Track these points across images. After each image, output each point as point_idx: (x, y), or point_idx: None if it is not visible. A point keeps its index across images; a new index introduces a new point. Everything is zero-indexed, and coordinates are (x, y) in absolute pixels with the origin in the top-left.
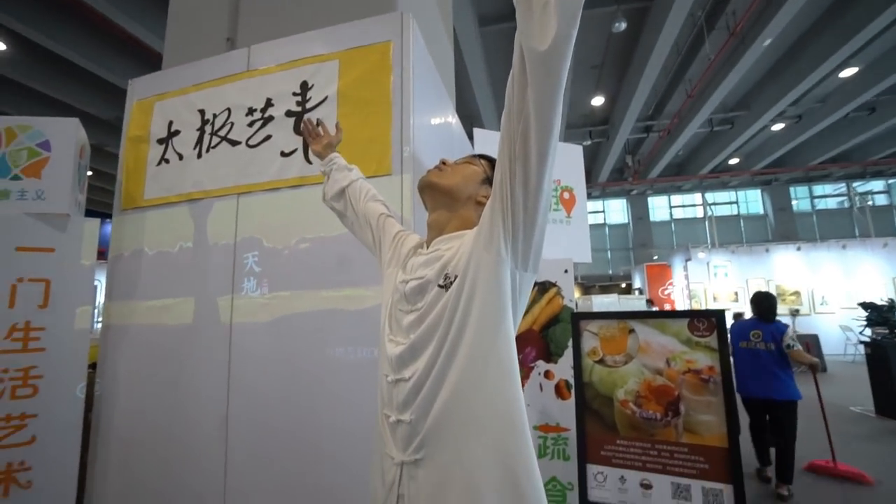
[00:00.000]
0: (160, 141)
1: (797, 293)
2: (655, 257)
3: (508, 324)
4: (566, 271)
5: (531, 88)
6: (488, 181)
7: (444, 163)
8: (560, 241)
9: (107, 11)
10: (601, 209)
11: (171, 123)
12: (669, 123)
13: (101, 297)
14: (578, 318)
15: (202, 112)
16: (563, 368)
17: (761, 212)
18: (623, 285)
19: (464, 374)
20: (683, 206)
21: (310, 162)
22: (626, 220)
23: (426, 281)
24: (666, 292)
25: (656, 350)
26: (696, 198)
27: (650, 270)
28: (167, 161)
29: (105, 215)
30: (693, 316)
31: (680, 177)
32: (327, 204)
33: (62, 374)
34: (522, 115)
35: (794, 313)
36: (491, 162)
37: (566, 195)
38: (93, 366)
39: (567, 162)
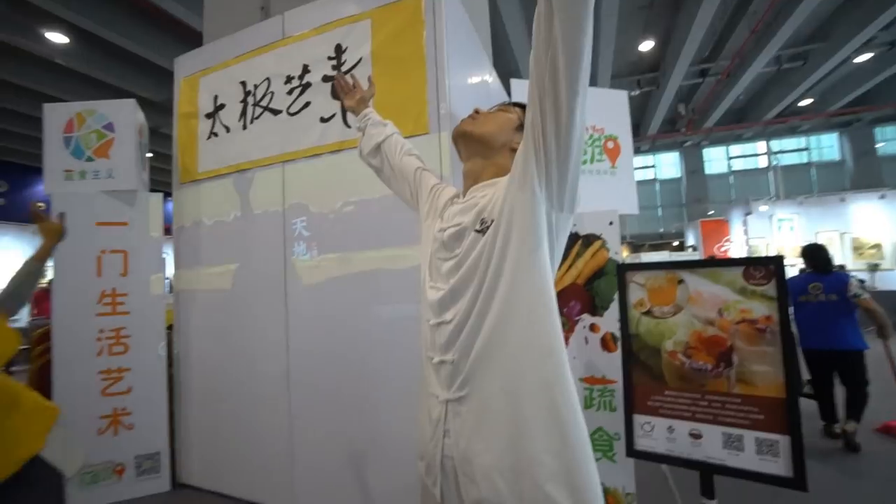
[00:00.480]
0: (208, 115)
1: (877, 246)
2: (711, 212)
3: (545, 264)
4: (611, 223)
5: (557, 14)
6: (522, 128)
7: (477, 111)
8: (604, 194)
9: None
10: (651, 163)
11: (216, 97)
12: (729, 65)
13: (170, 268)
14: (624, 270)
15: (243, 84)
16: (609, 321)
17: (837, 157)
18: (675, 243)
19: (502, 312)
20: (744, 156)
21: (348, 126)
22: (679, 174)
23: (463, 227)
24: (722, 249)
25: (707, 300)
26: (759, 146)
27: (705, 227)
28: (216, 134)
29: (167, 194)
30: (749, 264)
31: (740, 124)
32: (364, 160)
33: (145, 335)
34: (550, 44)
35: (874, 268)
36: (525, 108)
37: (610, 144)
38: (170, 327)
39: (611, 109)
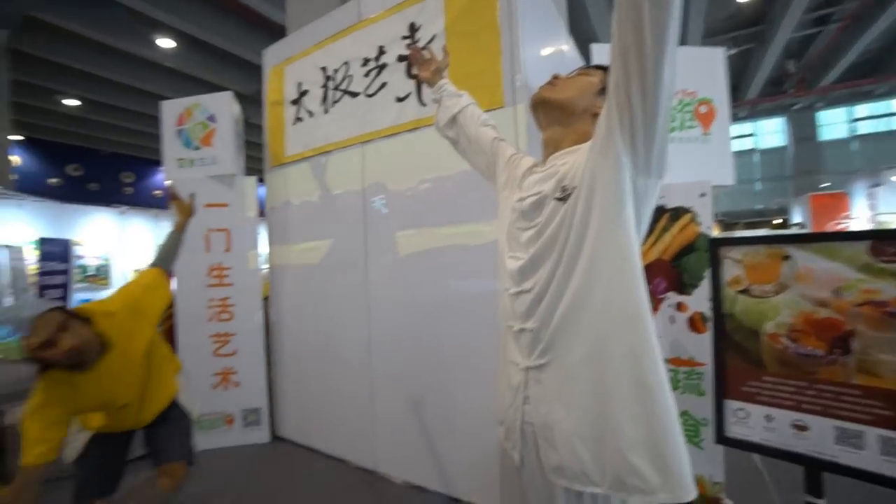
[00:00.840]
0: (293, 102)
1: None
2: (825, 185)
3: (629, 231)
4: (702, 195)
5: None
6: (604, 91)
7: (556, 77)
8: (695, 164)
9: None
10: (749, 132)
11: (299, 84)
12: (856, 7)
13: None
14: (718, 245)
15: (324, 69)
16: (699, 300)
17: None
18: (777, 221)
19: (585, 280)
20: (873, 116)
21: (423, 104)
22: (784, 143)
23: (543, 196)
24: (839, 226)
25: (820, 278)
26: (893, 105)
27: (817, 201)
28: (300, 119)
29: (259, 179)
30: (878, 237)
31: (869, 79)
32: (440, 132)
33: (246, 304)
34: None
35: None
36: (607, 71)
37: (703, 109)
38: (266, 298)
39: (704, 70)
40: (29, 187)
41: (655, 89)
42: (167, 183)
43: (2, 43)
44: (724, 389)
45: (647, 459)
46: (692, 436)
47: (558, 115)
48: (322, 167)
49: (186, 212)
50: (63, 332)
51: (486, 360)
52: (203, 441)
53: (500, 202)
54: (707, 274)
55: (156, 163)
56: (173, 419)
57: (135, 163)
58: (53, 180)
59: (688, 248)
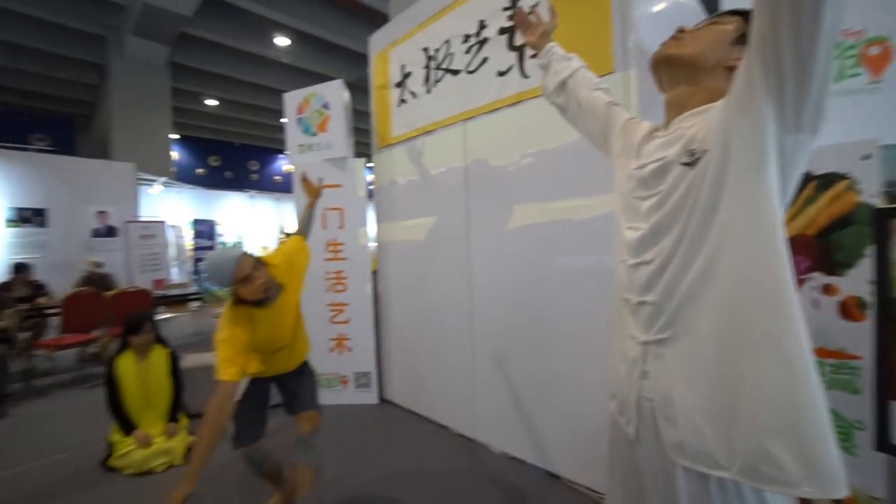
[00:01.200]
0: (397, 84)
1: None
2: None
3: (771, 198)
4: (866, 157)
5: None
6: (742, 40)
7: (681, 30)
8: (857, 118)
9: None
10: None
11: (403, 67)
12: None
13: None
14: (887, 217)
15: (426, 50)
16: (854, 282)
17: None
18: None
19: (716, 251)
20: None
21: (526, 76)
22: None
23: (667, 161)
24: None
25: None
26: None
27: None
28: (404, 101)
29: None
30: None
31: None
32: (548, 99)
33: (357, 277)
34: None
35: None
36: (745, 17)
37: (873, 50)
38: (375, 272)
39: (877, 2)
40: (184, 177)
41: (813, 35)
42: (286, 168)
43: (165, 57)
44: (888, 389)
45: (787, 448)
46: (843, 439)
47: (685, 72)
48: (425, 146)
49: (314, 193)
50: (256, 270)
51: (590, 335)
52: (321, 397)
53: (616, 170)
54: (868, 252)
55: (275, 151)
56: (307, 373)
57: (259, 152)
58: (200, 170)
59: (841, 222)
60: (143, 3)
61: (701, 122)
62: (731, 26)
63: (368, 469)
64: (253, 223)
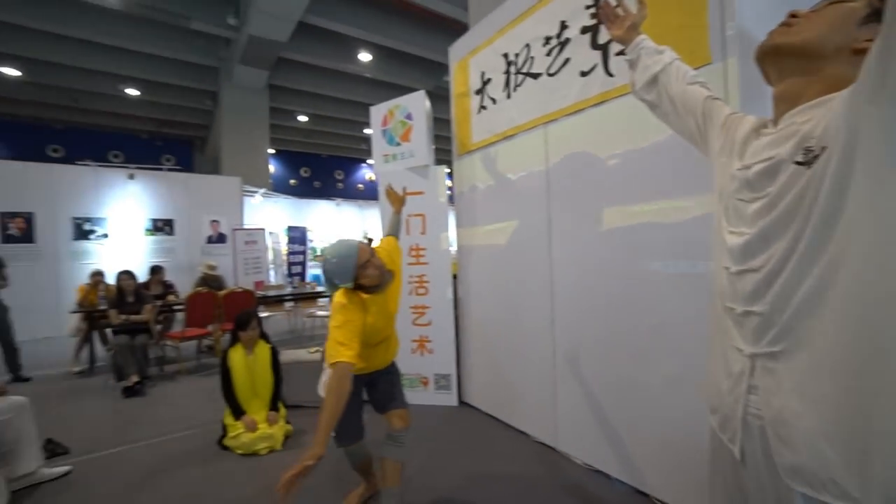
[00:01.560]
0: (477, 91)
1: None
2: None
3: None
4: None
5: None
6: (872, 18)
7: (793, 15)
8: None
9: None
10: None
11: (482, 74)
12: None
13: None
14: None
15: (506, 56)
16: None
17: None
18: None
19: (840, 257)
20: None
21: (610, 74)
22: None
23: (777, 161)
24: None
25: None
26: None
27: None
28: (484, 108)
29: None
30: None
31: None
32: (637, 96)
33: (439, 281)
34: None
35: None
36: None
37: None
38: (455, 276)
39: None
40: (279, 187)
41: None
42: (369, 177)
43: (264, 81)
44: None
45: None
46: None
47: (799, 62)
48: (505, 151)
49: (399, 202)
50: (373, 256)
51: (683, 346)
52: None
53: (716, 170)
54: None
55: (358, 161)
56: (396, 372)
57: (343, 162)
58: (292, 181)
59: None
60: (248, 35)
61: (818, 116)
62: (858, 3)
63: (447, 470)
64: (339, 229)
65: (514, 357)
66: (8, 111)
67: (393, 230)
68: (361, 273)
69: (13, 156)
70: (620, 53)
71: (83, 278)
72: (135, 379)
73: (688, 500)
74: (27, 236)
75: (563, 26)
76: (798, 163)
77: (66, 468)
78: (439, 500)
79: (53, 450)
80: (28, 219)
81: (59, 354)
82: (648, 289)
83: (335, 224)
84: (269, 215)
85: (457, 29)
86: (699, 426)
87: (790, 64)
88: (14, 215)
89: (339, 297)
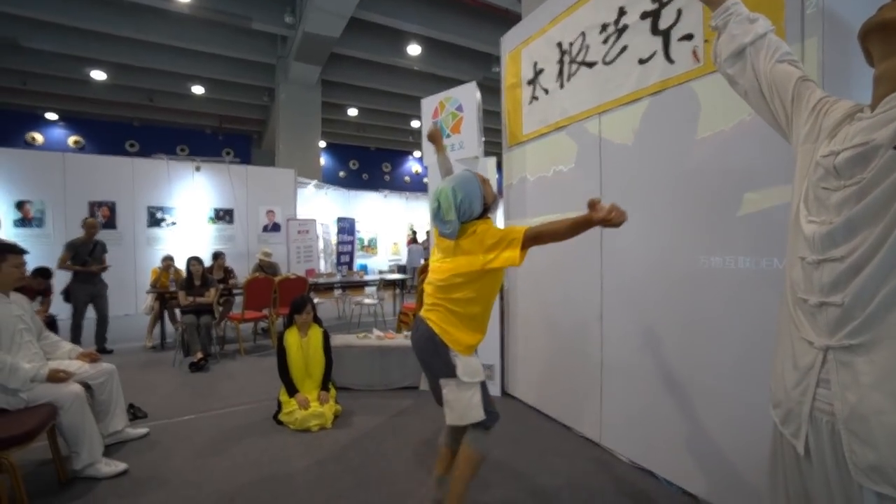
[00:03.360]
0: (529, 82)
1: None
2: None
3: None
4: None
5: None
6: None
7: None
8: None
9: None
10: None
11: (535, 64)
12: None
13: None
14: None
15: (559, 45)
16: None
17: None
18: None
19: None
20: None
21: (671, 61)
22: None
23: (871, 147)
24: None
25: None
26: None
27: None
28: (536, 98)
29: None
30: None
31: None
32: (720, 68)
33: None
34: None
35: None
36: None
37: None
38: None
39: None
40: (329, 179)
41: None
42: (415, 170)
43: (317, 77)
44: None
45: None
46: None
47: None
48: (558, 142)
49: (438, 139)
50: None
51: (742, 345)
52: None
53: (798, 158)
54: None
55: (405, 153)
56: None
57: (390, 155)
58: (342, 173)
59: None
60: (303, 32)
61: None
62: None
63: (488, 460)
64: (386, 220)
65: (559, 350)
66: (95, 111)
67: (446, 173)
68: (487, 191)
69: (98, 150)
70: (685, 38)
71: (156, 262)
72: (200, 355)
73: None
74: (111, 223)
75: (622, 12)
76: None
77: (145, 430)
78: (479, 489)
79: (135, 413)
80: (112, 207)
81: (136, 330)
82: (706, 285)
83: (382, 215)
84: (320, 206)
85: (507, 18)
86: (755, 429)
87: None
88: (101, 204)
89: (481, 223)
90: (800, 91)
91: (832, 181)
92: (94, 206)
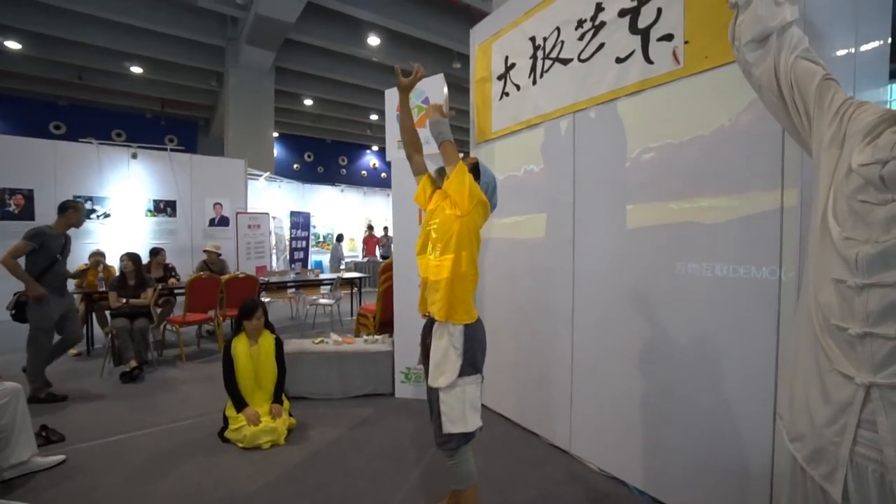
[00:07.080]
0: (499, 77)
1: None
2: None
3: None
4: None
5: None
6: None
7: None
8: None
9: None
10: None
11: (506, 58)
12: None
13: None
14: None
15: (532, 39)
16: None
17: None
18: None
19: None
20: None
21: (650, 62)
22: None
23: None
24: None
25: None
26: None
27: None
28: (507, 94)
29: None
30: None
31: None
32: (738, 52)
33: None
34: None
35: None
36: None
37: None
38: None
39: None
40: (282, 171)
41: None
42: (372, 164)
43: (270, 63)
44: None
45: None
46: None
47: None
48: (529, 140)
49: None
50: None
51: (715, 357)
52: (409, 391)
53: (822, 165)
54: None
55: (362, 147)
56: None
57: (347, 148)
58: (296, 166)
59: None
60: (255, 14)
61: None
62: None
63: None
64: (342, 215)
65: (528, 357)
66: (9, 85)
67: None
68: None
69: (15, 131)
70: (664, 38)
71: (83, 258)
72: (133, 364)
73: None
74: (27, 213)
75: (599, 8)
76: None
77: (60, 457)
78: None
79: (48, 437)
80: (28, 195)
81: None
82: (679, 293)
83: (338, 209)
84: (273, 199)
85: (470, 15)
86: (728, 438)
87: None
88: (14, 192)
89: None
90: (824, 91)
91: (875, 194)
92: (4, 193)
